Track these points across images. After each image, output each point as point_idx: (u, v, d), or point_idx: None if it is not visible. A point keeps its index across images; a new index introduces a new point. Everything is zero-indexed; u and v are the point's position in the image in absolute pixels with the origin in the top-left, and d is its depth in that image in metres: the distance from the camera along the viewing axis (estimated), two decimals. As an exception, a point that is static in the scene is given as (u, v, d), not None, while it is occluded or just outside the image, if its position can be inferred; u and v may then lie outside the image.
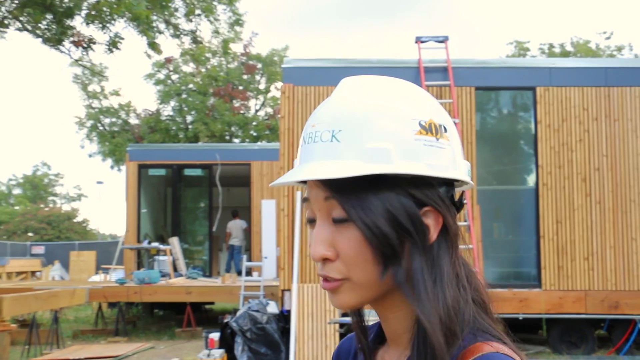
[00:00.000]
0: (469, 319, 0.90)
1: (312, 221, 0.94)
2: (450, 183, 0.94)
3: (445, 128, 0.92)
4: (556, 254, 8.86)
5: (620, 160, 8.97)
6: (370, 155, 0.86)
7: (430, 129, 0.89)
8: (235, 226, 15.53)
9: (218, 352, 7.47)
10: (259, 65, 27.93)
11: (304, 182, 0.95)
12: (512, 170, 9.92)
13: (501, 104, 9.94)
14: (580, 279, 8.80)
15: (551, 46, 25.31)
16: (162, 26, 12.95)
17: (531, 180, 9.35)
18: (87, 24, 11.65)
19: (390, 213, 0.87)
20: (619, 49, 25.08)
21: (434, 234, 0.90)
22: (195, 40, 13.65)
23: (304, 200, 0.95)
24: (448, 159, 0.91)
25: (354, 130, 0.87)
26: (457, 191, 0.98)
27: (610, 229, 8.85)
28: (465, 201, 0.97)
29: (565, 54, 24.79)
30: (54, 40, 11.60)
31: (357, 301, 0.92)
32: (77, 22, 11.84)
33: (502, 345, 0.89)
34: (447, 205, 0.92)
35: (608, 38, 27.97)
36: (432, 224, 0.90)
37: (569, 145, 9.02)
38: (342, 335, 7.92)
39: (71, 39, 11.76)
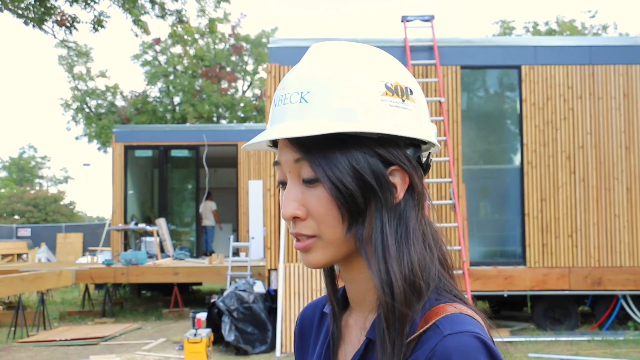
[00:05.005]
0: (434, 277, 0.92)
1: (283, 183, 0.95)
2: (417, 145, 0.95)
3: (411, 90, 0.94)
4: (540, 232, 8.93)
5: (604, 138, 9.02)
6: (336, 115, 0.88)
7: (397, 91, 0.92)
8: (206, 208, 15.50)
9: (205, 332, 7.48)
10: (247, 46, 27.77)
11: (276, 145, 0.97)
12: (498, 149, 9.96)
13: (487, 82, 9.96)
14: (564, 256, 8.88)
15: (536, 25, 25.28)
16: (147, 5, 12.79)
17: (516, 159, 9.40)
18: (71, 3, 11.49)
19: (356, 171, 0.89)
20: (604, 27, 25.09)
21: (400, 193, 0.93)
22: (181, 20, 13.51)
23: (275, 163, 0.96)
24: (414, 120, 0.93)
25: (321, 92, 0.89)
26: (425, 155, 1.01)
27: (593, 206, 8.92)
28: (429, 161, 0.98)
29: (550, 32, 24.78)
30: (37, 21, 11.44)
31: (327, 259, 0.94)
32: (61, 1, 11.69)
33: (464, 306, 0.90)
34: (414, 165, 0.94)
35: (593, 17, 27.94)
36: (399, 183, 0.93)
37: (554, 123, 9.06)
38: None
39: (54, 18, 11.60)
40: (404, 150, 0.92)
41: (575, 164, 8.98)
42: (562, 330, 8.94)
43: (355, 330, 0.99)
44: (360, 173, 0.89)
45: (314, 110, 0.89)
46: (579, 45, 9.40)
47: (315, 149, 0.90)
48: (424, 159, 0.98)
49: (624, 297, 8.95)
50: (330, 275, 1.04)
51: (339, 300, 1.03)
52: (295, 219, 0.92)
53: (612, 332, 8.78)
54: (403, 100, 0.92)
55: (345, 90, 0.89)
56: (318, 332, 1.09)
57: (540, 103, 9.08)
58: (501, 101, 9.98)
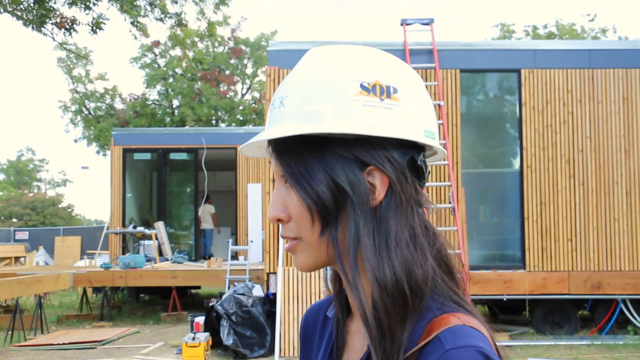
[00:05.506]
0: (425, 282, 0.87)
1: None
2: (409, 146, 0.91)
3: (395, 89, 0.90)
4: (540, 236, 8.91)
5: (604, 142, 9.01)
6: (306, 117, 0.88)
7: (374, 90, 0.89)
8: (204, 211, 15.47)
9: (203, 336, 7.46)
10: (247, 49, 27.78)
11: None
12: (497, 153, 9.95)
13: (486, 86, 9.95)
14: (564, 260, 8.86)
15: (535, 28, 25.31)
16: (147, 8, 12.77)
17: (516, 162, 9.38)
18: (70, 5, 11.48)
19: (326, 173, 0.89)
20: (603, 31, 25.13)
21: (379, 194, 0.89)
22: (180, 24, 13.50)
23: (270, 162, 0.99)
24: (394, 120, 0.89)
25: (295, 95, 0.90)
26: (432, 158, 0.99)
27: (593, 210, 8.91)
28: (420, 163, 0.93)
29: (550, 36, 24.81)
30: (36, 23, 11.42)
31: (311, 262, 0.94)
32: (59, 3, 11.67)
33: (469, 316, 0.86)
34: (396, 167, 0.89)
35: (592, 20, 28.04)
36: (379, 184, 0.89)
37: (553, 127, 9.05)
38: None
39: (53, 20, 11.59)
40: (388, 151, 0.89)
41: (575, 168, 8.97)
42: (562, 335, 8.92)
43: (358, 337, 0.97)
44: (330, 175, 0.88)
45: (288, 114, 0.90)
46: (579, 49, 9.39)
47: (288, 152, 0.91)
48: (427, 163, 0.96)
49: (624, 301, 8.93)
50: (339, 280, 1.01)
51: (343, 306, 1.00)
52: (279, 221, 0.93)
53: (611, 336, 8.76)
54: (382, 100, 0.88)
55: (315, 92, 0.89)
56: (321, 336, 1.07)
57: (540, 107, 9.08)
58: (501, 105, 9.97)
